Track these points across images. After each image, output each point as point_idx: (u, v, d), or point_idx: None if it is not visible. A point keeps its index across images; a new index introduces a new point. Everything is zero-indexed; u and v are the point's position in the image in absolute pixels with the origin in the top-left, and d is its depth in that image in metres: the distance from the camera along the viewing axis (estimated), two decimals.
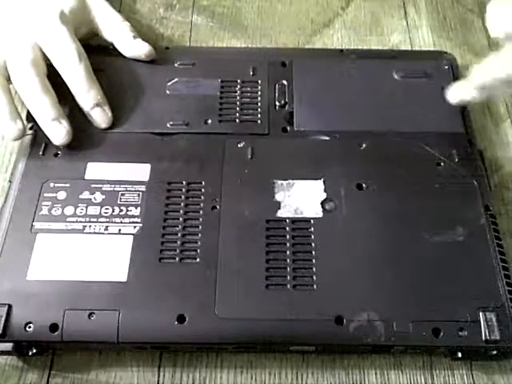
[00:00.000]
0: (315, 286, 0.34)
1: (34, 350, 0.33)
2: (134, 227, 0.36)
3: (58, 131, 0.38)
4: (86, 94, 0.39)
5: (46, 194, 0.36)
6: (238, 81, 0.43)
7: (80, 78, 0.39)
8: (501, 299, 0.33)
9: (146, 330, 0.32)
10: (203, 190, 0.37)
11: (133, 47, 0.43)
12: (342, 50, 0.46)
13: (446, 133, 0.40)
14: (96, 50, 0.43)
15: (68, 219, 0.36)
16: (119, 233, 0.35)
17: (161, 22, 0.50)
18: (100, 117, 0.40)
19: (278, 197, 0.37)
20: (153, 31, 0.49)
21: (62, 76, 0.39)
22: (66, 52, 0.39)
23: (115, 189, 0.37)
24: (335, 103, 0.42)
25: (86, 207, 0.36)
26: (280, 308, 0.33)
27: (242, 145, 0.39)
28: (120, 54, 0.43)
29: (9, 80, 0.39)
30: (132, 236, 0.35)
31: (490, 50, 0.49)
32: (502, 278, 0.34)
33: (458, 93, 0.38)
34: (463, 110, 0.42)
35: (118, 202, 0.37)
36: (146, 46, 0.43)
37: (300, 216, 0.36)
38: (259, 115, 0.41)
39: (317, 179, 0.38)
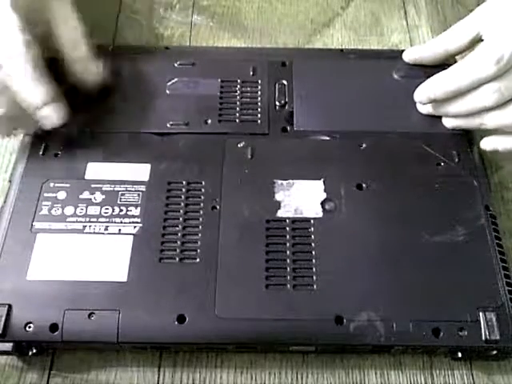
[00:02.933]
0: (315, 286, 0.34)
1: (34, 350, 0.33)
2: (134, 227, 0.36)
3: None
4: (32, 92, 0.35)
5: (46, 194, 0.36)
6: (238, 81, 0.43)
7: (24, 73, 0.35)
8: (501, 299, 0.33)
9: (146, 330, 0.32)
10: (203, 190, 0.37)
11: (82, 66, 0.38)
12: (342, 50, 0.46)
13: (446, 133, 0.40)
14: (96, 49, 0.43)
15: (68, 219, 0.36)
16: (119, 233, 0.35)
17: (161, 21, 0.50)
18: (52, 114, 0.36)
19: (278, 197, 0.37)
20: (153, 31, 0.49)
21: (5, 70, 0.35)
22: (11, 42, 0.35)
23: (115, 189, 0.37)
24: (335, 103, 0.42)
25: (86, 207, 0.36)
26: (280, 308, 0.33)
27: (241, 145, 0.39)
28: (120, 54, 0.43)
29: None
30: (132, 236, 0.35)
31: None
32: (502, 277, 0.34)
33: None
34: None
35: (118, 202, 0.37)
36: (95, 70, 0.39)
37: (300, 216, 0.36)
38: (259, 115, 0.41)
39: (317, 179, 0.38)
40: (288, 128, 0.41)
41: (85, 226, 0.36)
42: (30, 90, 0.35)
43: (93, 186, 0.37)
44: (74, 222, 0.36)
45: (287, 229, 0.36)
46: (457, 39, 0.40)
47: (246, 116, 0.41)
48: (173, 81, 0.42)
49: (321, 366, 0.34)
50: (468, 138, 0.40)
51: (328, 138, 0.40)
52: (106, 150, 0.39)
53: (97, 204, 0.36)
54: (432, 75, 0.42)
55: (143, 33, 0.48)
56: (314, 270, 0.34)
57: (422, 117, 0.41)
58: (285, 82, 0.43)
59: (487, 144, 0.39)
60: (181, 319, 0.32)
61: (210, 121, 0.41)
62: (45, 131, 0.38)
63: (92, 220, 0.36)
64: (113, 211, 0.36)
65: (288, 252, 0.35)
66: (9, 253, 0.34)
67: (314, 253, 0.35)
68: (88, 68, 0.38)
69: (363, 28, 0.50)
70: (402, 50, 0.43)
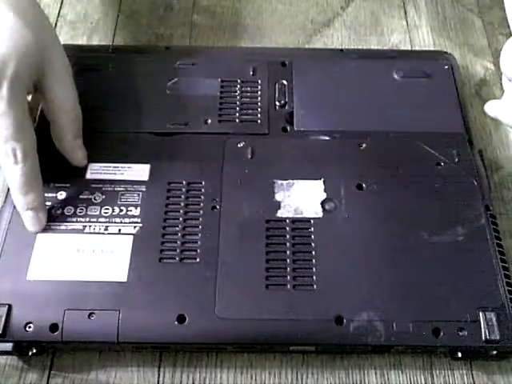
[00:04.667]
0: (315, 286, 0.34)
1: (34, 350, 0.33)
2: (134, 227, 0.36)
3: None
4: (22, 197, 0.34)
5: (45, 194, 0.36)
6: (238, 81, 0.43)
7: (19, 179, 0.34)
8: (501, 299, 0.33)
9: (146, 330, 0.32)
10: (203, 190, 0.37)
11: (67, 154, 0.38)
12: (342, 50, 0.46)
13: (446, 133, 0.40)
14: (96, 49, 0.43)
15: (68, 219, 0.36)
16: (119, 233, 0.35)
17: (161, 21, 0.50)
18: (31, 221, 0.35)
19: (278, 197, 0.37)
20: (153, 31, 0.49)
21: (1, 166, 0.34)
22: (7, 149, 0.33)
23: (115, 189, 0.37)
24: (335, 103, 0.42)
25: (86, 207, 0.36)
26: (280, 308, 0.33)
27: (241, 145, 0.39)
28: (120, 54, 0.43)
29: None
30: (132, 236, 0.35)
31: (490, 50, 0.49)
32: (502, 277, 0.34)
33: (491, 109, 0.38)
34: (463, 109, 0.42)
35: (118, 202, 0.37)
36: (79, 158, 0.38)
37: (300, 216, 0.36)
38: (259, 115, 0.41)
39: (317, 179, 0.38)
40: (288, 128, 0.41)
41: (85, 226, 0.36)
42: (16, 196, 0.34)
43: (93, 186, 0.37)
44: (74, 221, 0.36)
45: (287, 229, 0.36)
46: None
47: (245, 116, 0.41)
48: (173, 81, 0.42)
49: (321, 366, 0.34)
50: (468, 137, 0.40)
51: (328, 138, 0.40)
52: (106, 150, 0.39)
53: (97, 204, 0.36)
54: (432, 76, 0.42)
55: (143, 33, 0.48)
56: (313, 270, 0.34)
57: (422, 117, 0.41)
58: (285, 82, 0.43)
59: (490, 109, 0.38)
60: (181, 319, 0.32)
61: (209, 121, 0.41)
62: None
63: (92, 220, 0.36)
64: (113, 211, 0.36)
65: (288, 252, 0.35)
66: (9, 253, 0.34)
67: (313, 253, 0.35)
68: (73, 157, 0.38)
69: (363, 28, 0.50)
70: (402, 50, 0.43)
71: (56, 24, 0.48)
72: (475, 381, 0.34)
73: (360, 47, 0.49)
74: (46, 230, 0.35)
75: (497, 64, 0.47)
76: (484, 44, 0.49)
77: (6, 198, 0.37)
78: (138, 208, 0.36)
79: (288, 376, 0.34)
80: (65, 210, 0.36)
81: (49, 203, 0.36)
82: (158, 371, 0.34)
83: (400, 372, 0.34)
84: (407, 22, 0.51)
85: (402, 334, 0.32)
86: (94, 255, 0.34)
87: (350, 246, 0.35)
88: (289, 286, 0.34)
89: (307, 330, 0.33)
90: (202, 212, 0.36)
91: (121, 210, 0.36)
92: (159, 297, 0.33)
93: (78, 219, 0.36)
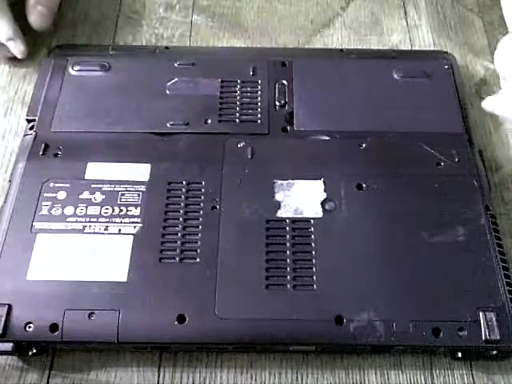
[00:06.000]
0: (315, 286, 0.34)
1: (34, 350, 0.33)
2: (134, 227, 0.36)
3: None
4: None
5: (45, 194, 0.36)
6: (238, 81, 0.43)
7: None
8: (501, 299, 0.33)
9: (146, 330, 0.32)
10: (203, 190, 0.37)
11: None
12: (342, 50, 0.46)
13: (446, 133, 0.40)
14: (96, 49, 0.43)
15: (68, 219, 0.36)
16: (119, 233, 0.35)
17: (161, 21, 0.50)
18: (13, 50, 0.43)
19: (278, 197, 0.37)
20: (153, 31, 0.49)
21: None
22: None
23: (115, 189, 0.37)
24: (335, 103, 0.42)
25: (86, 207, 0.36)
26: (280, 308, 0.33)
27: (241, 145, 0.39)
28: (120, 54, 0.43)
29: None
30: (132, 236, 0.35)
31: (490, 50, 0.49)
32: (502, 277, 0.34)
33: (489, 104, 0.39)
34: (463, 109, 0.42)
35: (118, 202, 0.37)
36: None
37: (300, 216, 0.36)
38: (259, 115, 0.41)
39: (317, 179, 0.38)
40: (288, 128, 0.41)
41: (85, 226, 0.36)
42: None
43: (93, 186, 0.37)
44: (74, 221, 0.36)
45: (287, 229, 0.36)
46: None
47: (246, 116, 0.41)
48: (173, 81, 0.42)
49: (321, 366, 0.34)
50: (468, 137, 0.40)
51: (328, 138, 0.40)
52: (106, 150, 0.39)
53: (97, 204, 0.36)
54: (432, 76, 0.42)
55: (143, 33, 0.48)
56: (313, 270, 0.34)
57: (421, 117, 0.41)
58: (285, 82, 0.43)
59: (487, 104, 0.38)
60: (181, 319, 0.32)
61: (209, 121, 0.41)
62: (44, 130, 0.38)
63: (92, 220, 0.36)
64: (113, 211, 0.36)
65: (288, 252, 0.35)
66: (9, 253, 0.34)
67: (313, 253, 0.35)
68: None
69: (363, 28, 0.50)
70: (402, 50, 0.43)
71: (56, 24, 0.48)
72: (475, 381, 0.34)
73: (360, 47, 0.49)
74: (45, 230, 0.35)
75: None
76: (484, 44, 0.49)
77: (6, 197, 0.37)
78: (138, 208, 0.36)
79: (288, 376, 0.34)
80: (65, 210, 0.36)
81: (49, 203, 0.36)
82: (158, 371, 0.34)
83: (400, 372, 0.34)
84: (407, 22, 0.51)
85: (402, 334, 0.32)
86: (94, 255, 0.34)
87: (350, 246, 0.35)
88: (289, 286, 0.34)
89: (307, 330, 0.33)
90: (202, 212, 0.36)
91: (121, 210, 0.36)
92: (159, 297, 0.33)
93: (78, 219, 0.36)
